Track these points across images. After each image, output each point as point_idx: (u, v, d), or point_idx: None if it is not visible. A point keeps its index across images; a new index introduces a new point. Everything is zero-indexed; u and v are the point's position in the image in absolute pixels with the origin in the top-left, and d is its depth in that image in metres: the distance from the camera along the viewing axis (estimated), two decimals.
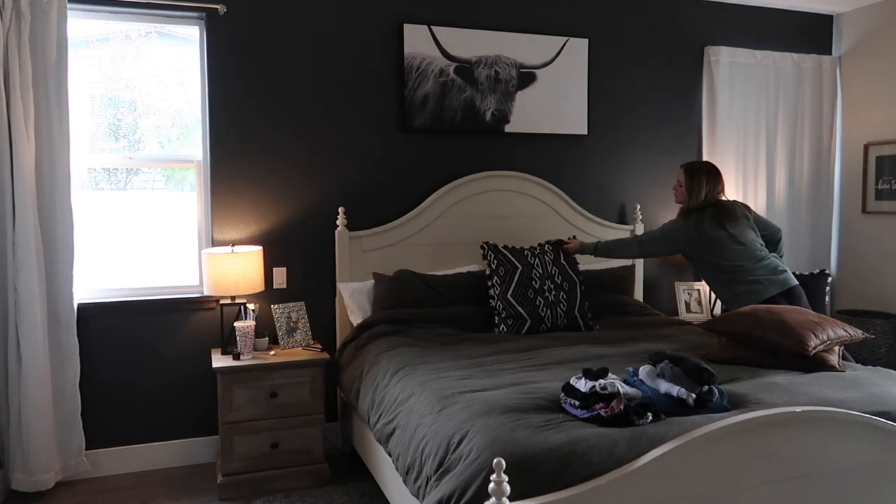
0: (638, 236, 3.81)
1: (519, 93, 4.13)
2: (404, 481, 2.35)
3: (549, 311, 3.58)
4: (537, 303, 3.57)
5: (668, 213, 4.58)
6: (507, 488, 1.63)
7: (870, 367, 2.92)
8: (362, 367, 3.19)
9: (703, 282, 3.76)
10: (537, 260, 3.68)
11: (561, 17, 4.25)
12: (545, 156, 4.27)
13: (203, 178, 3.73)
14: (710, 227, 3.49)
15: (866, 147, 4.73)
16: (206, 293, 3.55)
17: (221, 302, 3.55)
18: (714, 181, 3.60)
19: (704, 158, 4.61)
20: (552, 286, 3.63)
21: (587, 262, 4.05)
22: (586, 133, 4.32)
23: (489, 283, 3.61)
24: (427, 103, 3.95)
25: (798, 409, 2.03)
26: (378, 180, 3.94)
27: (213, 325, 3.67)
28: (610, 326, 3.67)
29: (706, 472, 1.89)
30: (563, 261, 3.73)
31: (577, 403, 2.21)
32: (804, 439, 2.00)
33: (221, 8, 3.58)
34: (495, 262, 3.63)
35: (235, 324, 3.40)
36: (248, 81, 3.68)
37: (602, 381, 2.20)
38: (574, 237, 3.91)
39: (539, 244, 3.82)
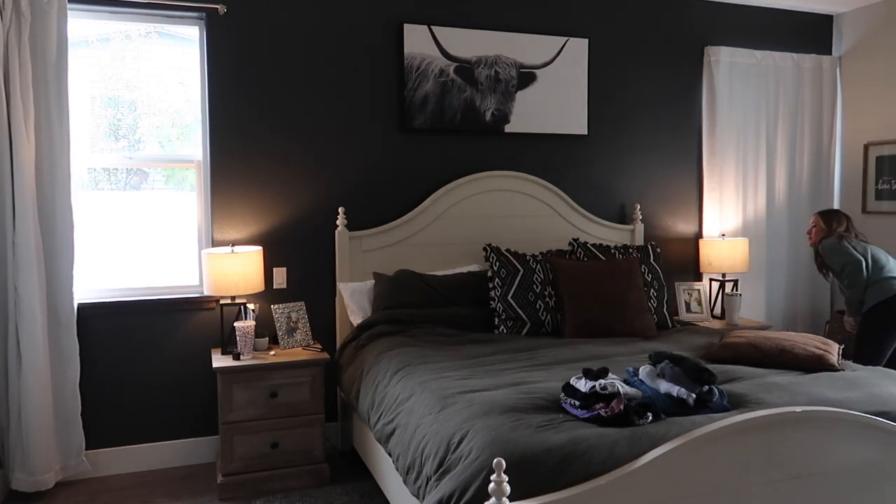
0: (847, 285, 3.90)
1: (519, 93, 4.13)
2: (404, 481, 2.35)
3: (549, 316, 3.58)
4: (537, 307, 3.56)
5: (668, 212, 4.59)
6: (507, 488, 1.63)
7: (870, 367, 2.93)
8: (362, 367, 3.19)
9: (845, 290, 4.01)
10: (539, 266, 3.67)
11: (561, 17, 4.25)
12: (545, 156, 4.27)
13: (203, 178, 3.73)
14: (855, 240, 3.94)
15: (866, 147, 4.73)
16: (206, 293, 3.55)
17: (221, 302, 3.55)
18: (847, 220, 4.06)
19: (704, 158, 4.63)
20: (553, 293, 3.63)
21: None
22: (586, 133, 4.31)
23: (490, 285, 3.62)
24: (427, 103, 3.95)
25: (798, 409, 2.03)
26: (378, 180, 3.94)
27: (213, 325, 3.67)
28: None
29: (706, 472, 1.89)
30: None
31: (577, 403, 2.21)
32: (804, 439, 2.00)
33: (221, 8, 3.58)
34: (497, 264, 3.63)
35: (235, 324, 3.40)
36: (248, 81, 3.68)
37: (602, 381, 2.20)
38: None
39: (541, 253, 3.81)
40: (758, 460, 1.94)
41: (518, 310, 3.54)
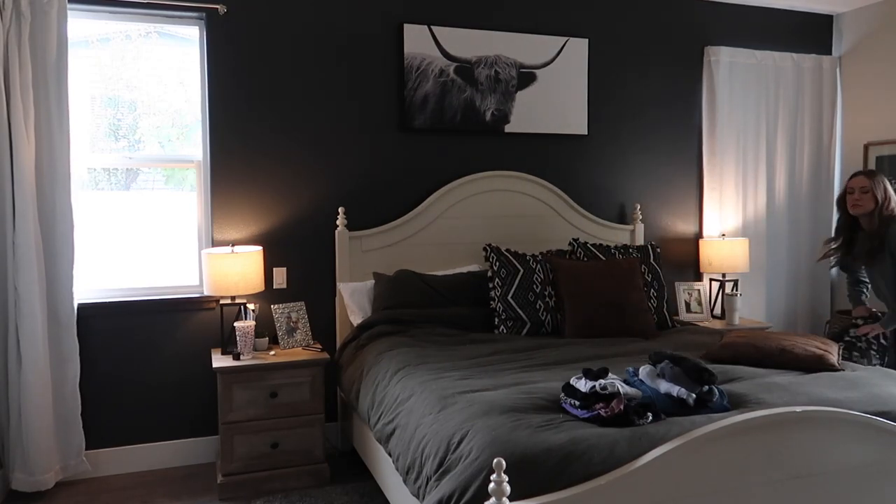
0: None
1: (519, 93, 4.13)
2: (404, 481, 2.35)
3: (549, 316, 3.57)
4: (538, 307, 3.56)
5: (668, 212, 4.59)
6: (507, 488, 1.63)
7: (870, 367, 2.93)
8: (362, 367, 3.19)
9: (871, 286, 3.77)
10: (539, 266, 3.67)
11: (561, 17, 4.25)
12: (545, 156, 4.27)
13: (203, 178, 3.73)
14: None
15: (866, 147, 4.73)
16: (206, 293, 3.55)
17: (221, 302, 3.55)
18: None
19: (704, 158, 4.63)
20: (553, 293, 3.63)
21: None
22: (586, 133, 4.31)
23: (490, 285, 3.62)
24: (427, 103, 3.95)
25: (798, 409, 2.03)
26: (378, 180, 3.94)
27: (213, 325, 3.67)
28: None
29: (706, 472, 1.89)
30: None
31: (577, 403, 2.21)
32: (804, 439, 2.00)
33: (221, 8, 3.58)
34: (497, 263, 3.63)
35: (235, 324, 3.40)
36: (248, 81, 3.68)
37: (602, 381, 2.20)
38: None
39: (541, 253, 3.82)
40: (758, 460, 1.94)
41: (518, 310, 3.54)
